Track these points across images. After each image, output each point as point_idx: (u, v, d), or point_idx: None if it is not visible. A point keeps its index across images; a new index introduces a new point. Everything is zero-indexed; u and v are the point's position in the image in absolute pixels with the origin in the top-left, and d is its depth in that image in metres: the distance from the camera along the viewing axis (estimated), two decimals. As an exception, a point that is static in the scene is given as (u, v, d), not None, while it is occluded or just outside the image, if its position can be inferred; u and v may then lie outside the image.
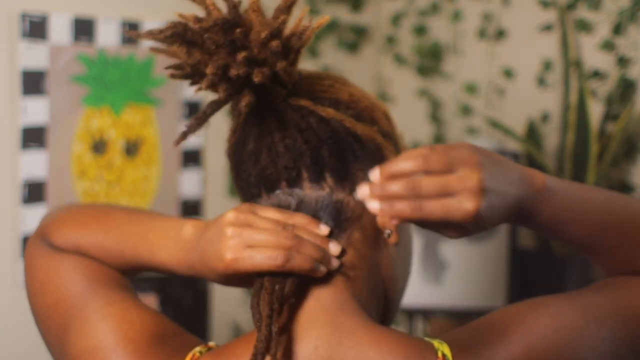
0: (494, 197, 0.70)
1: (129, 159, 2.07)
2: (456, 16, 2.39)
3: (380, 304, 0.86)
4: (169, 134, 2.12)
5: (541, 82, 2.21)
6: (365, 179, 0.80)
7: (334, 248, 0.81)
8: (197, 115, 0.82)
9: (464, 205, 0.68)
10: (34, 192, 1.91)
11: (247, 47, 0.79)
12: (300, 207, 0.82)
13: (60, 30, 1.93)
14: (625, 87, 2.01)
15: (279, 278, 0.78)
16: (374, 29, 2.58)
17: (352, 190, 0.82)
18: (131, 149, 2.07)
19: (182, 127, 0.78)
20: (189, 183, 2.18)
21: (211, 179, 2.24)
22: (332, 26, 2.47)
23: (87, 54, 1.98)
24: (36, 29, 1.89)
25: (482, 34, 2.34)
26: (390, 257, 0.86)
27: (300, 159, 0.82)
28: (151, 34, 0.80)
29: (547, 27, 2.18)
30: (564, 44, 2.10)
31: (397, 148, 0.88)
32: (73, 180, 1.98)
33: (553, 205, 0.78)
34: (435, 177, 0.69)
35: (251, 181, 0.86)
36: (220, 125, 2.31)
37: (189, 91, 2.13)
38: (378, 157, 0.84)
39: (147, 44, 2.07)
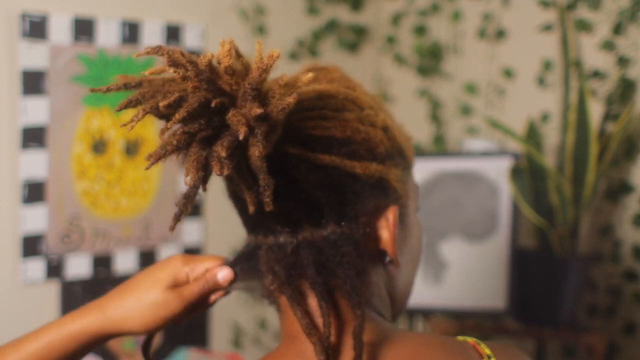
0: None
1: (129, 159, 2.07)
2: (456, 16, 2.39)
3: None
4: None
5: (541, 82, 2.21)
6: (368, 210, 0.78)
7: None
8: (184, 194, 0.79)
9: None
10: (34, 192, 1.92)
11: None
12: (299, 247, 0.77)
13: (60, 30, 1.93)
14: (625, 87, 2.00)
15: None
16: (374, 29, 2.58)
17: (354, 223, 0.78)
18: (131, 148, 2.07)
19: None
20: (189, 183, 2.18)
21: (211, 179, 2.23)
22: (332, 26, 2.47)
23: (87, 54, 1.98)
24: (36, 29, 1.89)
25: (482, 34, 2.34)
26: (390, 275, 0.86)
27: (296, 205, 0.76)
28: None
29: (547, 27, 2.18)
30: (564, 44, 2.10)
31: (403, 155, 0.84)
32: (73, 180, 1.98)
33: None
34: None
35: (244, 219, 0.84)
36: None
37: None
38: (379, 186, 0.79)
39: (147, 44, 2.07)
